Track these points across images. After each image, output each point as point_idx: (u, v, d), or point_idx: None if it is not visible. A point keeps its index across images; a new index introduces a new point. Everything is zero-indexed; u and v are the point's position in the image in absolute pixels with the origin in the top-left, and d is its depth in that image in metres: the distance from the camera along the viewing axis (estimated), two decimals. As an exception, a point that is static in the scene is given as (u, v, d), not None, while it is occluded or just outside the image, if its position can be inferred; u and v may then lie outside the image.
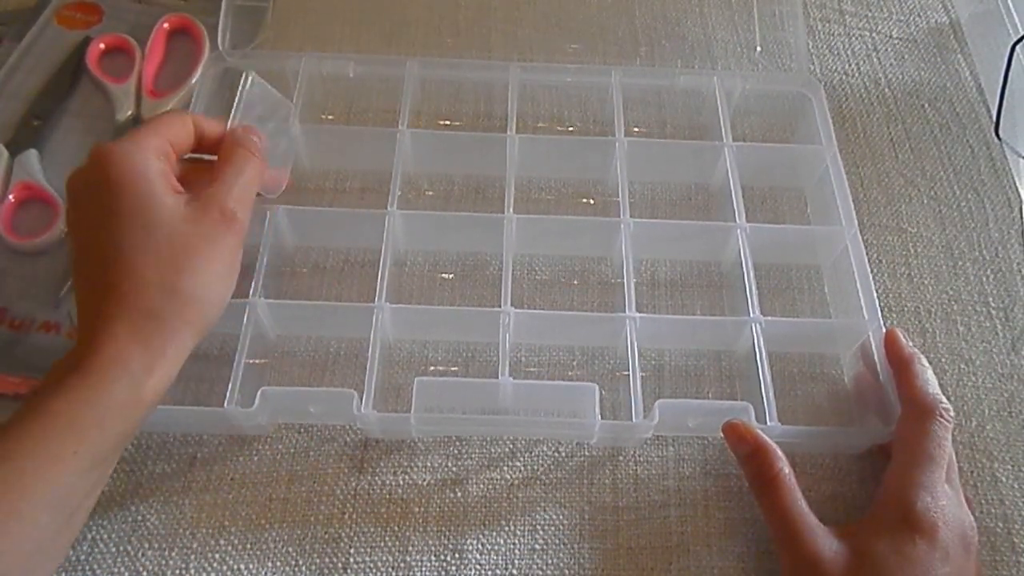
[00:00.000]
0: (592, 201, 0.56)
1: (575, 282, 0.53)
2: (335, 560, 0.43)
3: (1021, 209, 0.58)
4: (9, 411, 0.43)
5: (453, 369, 0.49)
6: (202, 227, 0.39)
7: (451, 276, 0.53)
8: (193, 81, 0.58)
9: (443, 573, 0.43)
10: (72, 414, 0.34)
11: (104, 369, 0.35)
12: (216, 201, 0.40)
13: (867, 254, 0.50)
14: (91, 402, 0.34)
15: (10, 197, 0.51)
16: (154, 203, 0.39)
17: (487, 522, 0.44)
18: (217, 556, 0.43)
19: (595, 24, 0.65)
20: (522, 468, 0.46)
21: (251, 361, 0.45)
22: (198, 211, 0.40)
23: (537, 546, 0.44)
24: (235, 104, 0.46)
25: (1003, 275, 0.55)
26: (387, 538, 0.44)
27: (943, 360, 0.51)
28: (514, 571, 0.43)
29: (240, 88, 0.47)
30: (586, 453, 0.47)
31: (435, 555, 0.43)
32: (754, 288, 0.48)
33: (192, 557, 0.43)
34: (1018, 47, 0.59)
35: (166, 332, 0.37)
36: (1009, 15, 0.62)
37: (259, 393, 0.43)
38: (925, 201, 0.58)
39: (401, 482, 0.45)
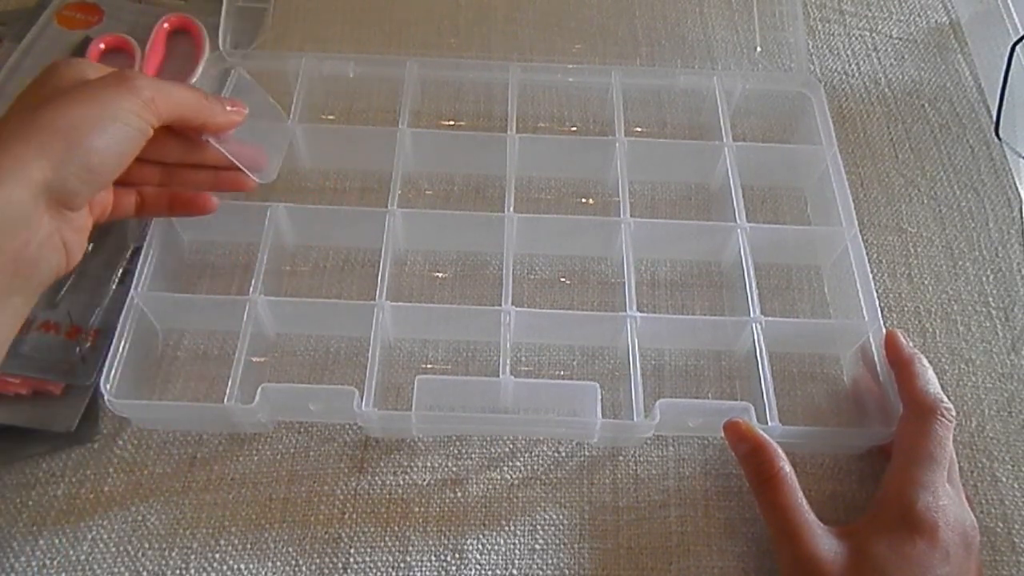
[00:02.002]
0: (592, 201, 0.56)
1: (575, 282, 0.53)
2: (335, 560, 0.43)
3: (1021, 209, 0.58)
4: (9, 411, 0.44)
5: (453, 368, 0.49)
6: (92, 82, 0.38)
7: (451, 275, 0.53)
8: (193, 81, 0.58)
9: (443, 573, 0.43)
10: None
11: None
12: (120, 71, 0.39)
13: (867, 254, 0.50)
14: None
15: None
16: (63, 68, 0.38)
17: (487, 522, 0.44)
18: (217, 556, 0.43)
19: (595, 24, 0.65)
20: (522, 468, 0.46)
21: (251, 359, 0.45)
22: (99, 76, 0.39)
23: (537, 546, 0.44)
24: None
25: (1003, 275, 0.55)
26: (387, 538, 0.44)
27: (943, 360, 0.51)
28: (514, 571, 0.43)
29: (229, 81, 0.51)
30: (586, 453, 0.47)
31: (435, 555, 0.43)
32: (754, 288, 0.48)
33: (192, 557, 0.42)
34: (1018, 47, 0.59)
35: (2, 155, 0.35)
36: (1009, 15, 0.63)
37: (259, 390, 0.43)
38: (925, 201, 0.58)
39: (401, 482, 0.45)
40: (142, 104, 0.38)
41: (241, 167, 0.46)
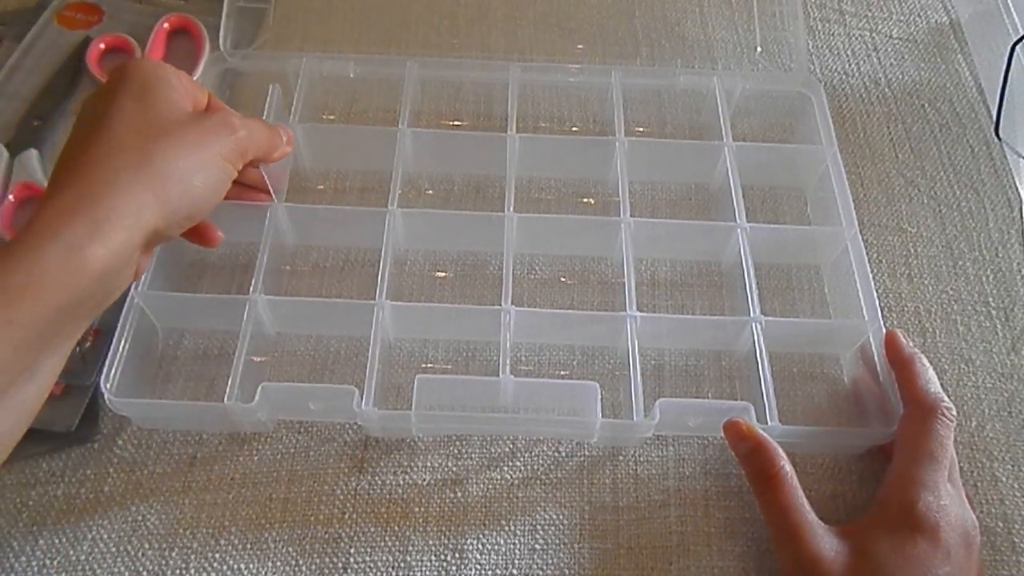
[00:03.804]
0: (592, 201, 0.56)
1: (575, 281, 0.53)
2: (335, 560, 0.43)
3: (1021, 209, 0.58)
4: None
5: (453, 368, 0.49)
6: (199, 120, 0.39)
7: (451, 275, 0.53)
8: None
9: (443, 573, 0.43)
10: (3, 279, 0.32)
11: (38, 233, 0.33)
12: (223, 113, 0.40)
13: (867, 254, 0.50)
14: (22, 265, 0.32)
15: (10, 197, 0.51)
16: (160, 89, 0.38)
17: (487, 522, 0.44)
18: (217, 556, 0.43)
19: (595, 24, 0.65)
20: (522, 468, 0.46)
21: (251, 358, 0.45)
22: (200, 112, 0.40)
23: (537, 546, 0.44)
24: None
25: (1003, 275, 0.55)
26: (387, 538, 0.44)
27: (943, 360, 0.51)
28: (514, 571, 0.43)
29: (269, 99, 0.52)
30: (586, 453, 0.47)
31: (435, 555, 0.43)
32: (754, 288, 0.48)
33: (192, 557, 0.42)
34: (1018, 47, 0.59)
35: (120, 197, 0.34)
36: (1009, 15, 0.63)
37: (259, 389, 0.43)
38: (925, 201, 0.58)
39: (401, 482, 0.45)
40: (239, 152, 0.40)
41: (271, 189, 0.49)
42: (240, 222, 0.50)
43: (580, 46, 0.63)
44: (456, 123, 0.60)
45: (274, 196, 0.50)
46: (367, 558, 0.43)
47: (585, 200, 0.56)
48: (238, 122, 0.40)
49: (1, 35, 0.60)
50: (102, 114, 0.37)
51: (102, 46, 0.59)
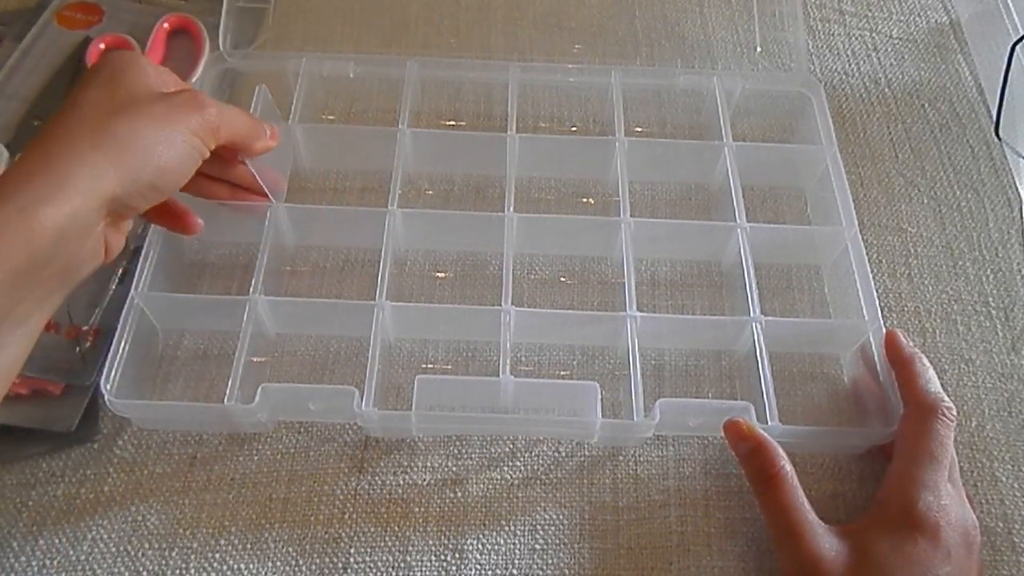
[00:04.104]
0: (592, 201, 0.56)
1: (575, 282, 0.53)
2: (335, 560, 0.43)
3: (1021, 209, 0.58)
4: (9, 411, 0.44)
5: (453, 368, 0.49)
6: (166, 97, 0.39)
7: (451, 275, 0.53)
8: (193, 81, 0.58)
9: (443, 573, 0.43)
10: None
11: None
12: (192, 91, 0.40)
13: (867, 254, 0.50)
14: None
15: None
16: (129, 72, 0.39)
17: (487, 522, 0.44)
18: (217, 556, 0.43)
19: (595, 24, 0.65)
20: (522, 468, 0.46)
21: (251, 359, 0.45)
22: (170, 93, 0.40)
23: (537, 546, 0.44)
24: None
25: (1003, 275, 0.55)
26: (387, 538, 0.44)
27: (943, 360, 0.51)
28: (514, 571, 0.43)
29: (256, 98, 0.51)
30: (586, 453, 0.47)
31: (435, 555, 0.43)
32: (754, 288, 0.48)
33: (192, 557, 0.42)
34: (1018, 47, 0.59)
35: (75, 163, 0.35)
36: (1009, 15, 0.63)
37: (259, 389, 0.43)
38: (925, 201, 0.58)
39: (401, 482, 0.45)
40: (208, 129, 0.40)
41: (265, 189, 0.48)
42: (240, 222, 0.51)
43: (579, 46, 0.63)
44: (456, 123, 0.60)
45: (272, 198, 0.49)
46: (367, 558, 0.43)
47: (585, 200, 0.56)
48: (208, 100, 0.40)
49: (1, 35, 0.60)
50: (72, 99, 0.38)
51: (102, 46, 0.59)
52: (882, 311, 0.48)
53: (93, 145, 0.36)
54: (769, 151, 0.57)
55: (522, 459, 0.46)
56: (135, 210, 0.39)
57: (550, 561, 0.43)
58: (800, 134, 0.59)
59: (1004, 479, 0.47)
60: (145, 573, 0.42)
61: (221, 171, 0.47)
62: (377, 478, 0.45)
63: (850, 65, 0.65)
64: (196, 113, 0.39)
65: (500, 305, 0.47)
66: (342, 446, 0.46)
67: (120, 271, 0.49)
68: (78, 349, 0.46)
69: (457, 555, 0.43)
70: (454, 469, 0.46)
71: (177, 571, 0.42)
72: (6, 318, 0.35)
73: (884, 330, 0.47)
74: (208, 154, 0.41)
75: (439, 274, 0.53)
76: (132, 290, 0.46)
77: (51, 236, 0.34)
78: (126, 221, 0.40)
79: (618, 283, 0.50)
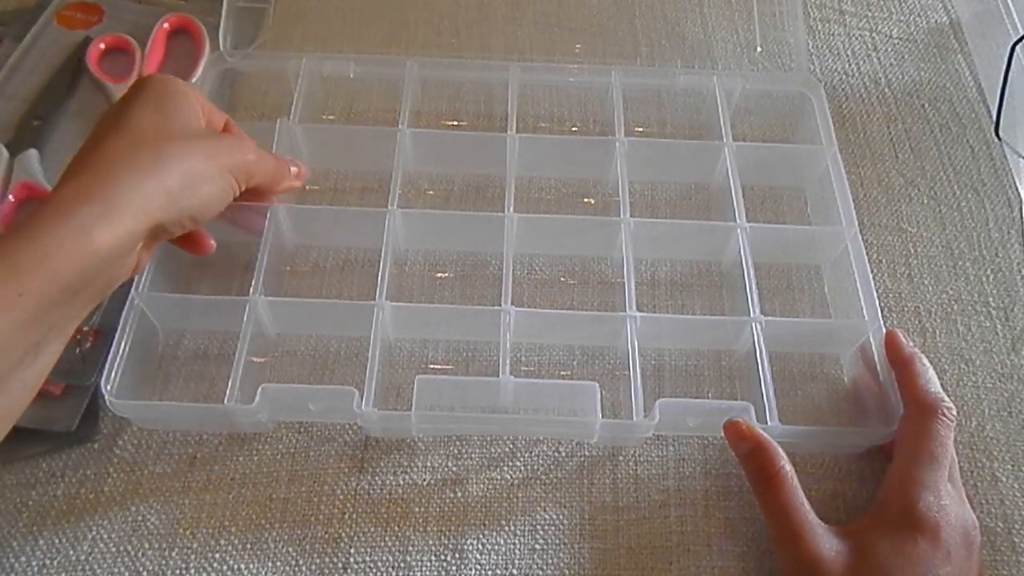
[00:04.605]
0: (592, 201, 0.56)
1: (575, 282, 0.53)
2: (335, 560, 0.43)
3: (1021, 209, 0.58)
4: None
5: (453, 368, 0.49)
6: (213, 135, 0.42)
7: (451, 275, 0.53)
8: (193, 81, 0.58)
9: (443, 573, 0.43)
10: (16, 254, 0.33)
11: (50, 214, 0.35)
12: (238, 136, 0.44)
13: (867, 254, 0.50)
14: (34, 243, 0.34)
15: (10, 197, 0.51)
16: (178, 101, 0.41)
17: (487, 522, 0.44)
18: (217, 556, 0.43)
19: (595, 24, 0.65)
20: (522, 468, 0.46)
21: (251, 359, 0.45)
22: (216, 132, 0.43)
23: (537, 546, 0.44)
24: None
25: (1003, 275, 0.55)
26: (387, 538, 0.44)
27: (943, 360, 0.51)
28: (514, 571, 0.43)
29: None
30: (586, 453, 0.47)
31: (435, 555, 0.43)
32: (754, 288, 0.48)
33: (192, 557, 0.42)
34: (1018, 47, 0.59)
35: (130, 187, 0.36)
36: (1009, 15, 0.63)
37: (259, 390, 0.43)
38: (925, 201, 0.58)
39: (401, 482, 0.45)
40: (245, 173, 0.43)
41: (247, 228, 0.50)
42: (237, 228, 0.50)
43: (579, 46, 0.63)
44: (456, 123, 0.60)
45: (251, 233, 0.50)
46: (367, 558, 0.43)
47: (585, 200, 0.56)
48: (249, 146, 0.44)
49: (1, 35, 0.60)
50: (121, 117, 0.39)
51: (102, 46, 0.59)
52: (882, 311, 0.48)
53: (148, 171, 0.37)
54: (769, 151, 0.57)
55: (522, 459, 0.46)
56: (172, 235, 0.41)
57: (550, 561, 0.43)
58: (800, 134, 0.59)
59: (1004, 479, 0.47)
60: (145, 573, 0.42)
61: None
62: (377, 478, 0.45)
63: (850, 65, 0.65)
64: (238, 156, 0.42)
65: (500, 305, 0.47)
66: (342, 446, 0.46)
67: (120, 271, 0.49)
68: (78, 349, 0.46)
69: (457, 555, 0.43)
70: (454, 469, 0.46)
71: (177, 571, 0.42)
72: (51, 330, 0.36)
73: (884, 330, 0.47)
74: (239, 194, 0.43)
75: (439, 274, 0.53)
76: (132, 290, 0.46)
77: (103, 255, 0.36)
78: (156, 243, 0.42)
79: (618, 283, 0.50)
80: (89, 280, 0.36)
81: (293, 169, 0.49)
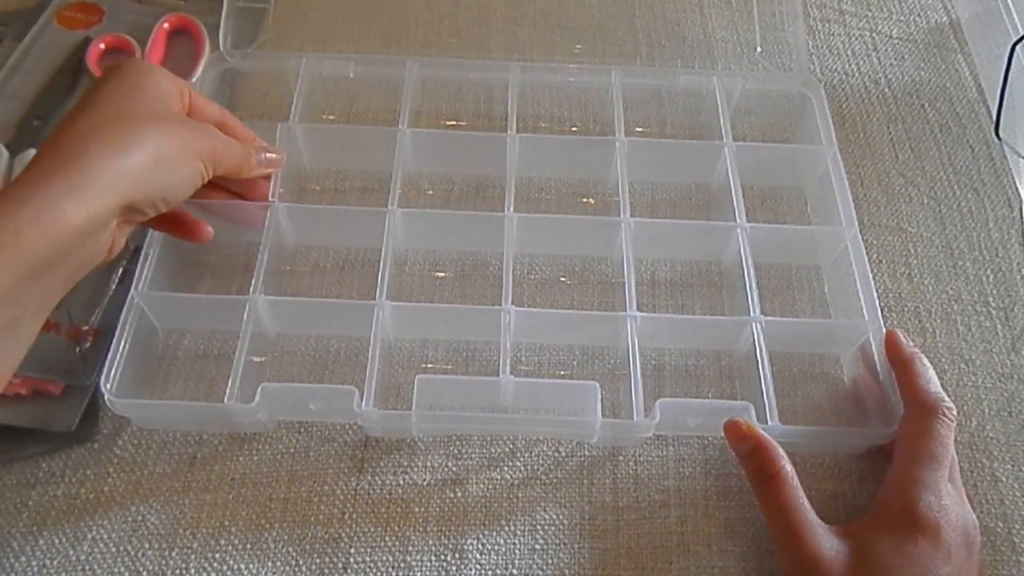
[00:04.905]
0: (592, 201, 0.56)
1: (575, 281, 0.53)
2: (335, 560, 0.43)
3: (1021, 209, 0.58)
4: (9, 411, 0.44)
5: (453, 368, 0.49)
6: (183, 119, 0.42)
7: (451, 275, 0.53)
8: (193, 81, 0.58)
9: (443, 573, 0.43)
10: None
11: (20, 191, 0.35)
12: (206, 124, 0.43)
13: (867, 254, 0.50)
14: (6, 218, 0.34)
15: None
16: (150, 85, 0.41)
17: (487, 522, 0.44)
18: (217, 556, 0.43)
19: (595, 24, 0.65)
20: (522, 468, 0.46)
21: (251, 359, 0.45)
22: (186, 118, 0.43)
23: (537, 546, 0.44)
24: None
25: (1003, 275, 0.55)
26: (387, 538, 0.44)
27: (943, 360, 0.51)
28: (514, 571, 0.43)
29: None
30: (586, 453, 0.47)
31: (435, 555, 0.43)
32: (754, 288, 0.48)
33: (192, 557, 0.42)
34: (1018, 47, 0.59)
35: (100, 165, 0.37)
36: (1009, 15, 0.62)
37: (259, 389, 0.43)
38: (925, 201, 0.58)
39: (401, 482, 0.45)
40: (212, 158, 0.43)
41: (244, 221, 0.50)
42: (237, 225, 0.51)
43: (579, 46, 0.63)
44: (456, 123, 0.60)
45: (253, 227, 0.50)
46: (367, 558, 0.43)
47: (585, 200, 0.56)
48: (216, 133, 0.43)
49: (1, 35, 0.60)
50: (93, 98, 0.39)
51: (102, 46, 0.59)
52: (882, 311, 0.48)
53: (120, 150, 0.38)
54: (769, 151, 0.57)
55: (522, 459, 0.46)
56: (144, 216, 0.41)
57: (550, 561, 0.43)
58: (800, 134, 0.59)
59: (1004, 479, 0.47)
60: (145, 573, 0.42)
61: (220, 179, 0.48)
62: (377, 478, 0.45)
63: (850, 65, 0.65)
64: (205, 141, 0.42)
65: (500, 305, 0.47)
66: (342, 446, 0.46)
67: (120, 271, 0.49)
68: (78, 349, 0.46)
69: (457, 555, 0.43)
70: (454, 469, 0.46)
71: (177, 571, 0.42)
72: (31, 304, 0.36)
73: (884, 330, 0.47)
74: (207, 180, 0.43)
75: (439, 274, 0.53)
76: (132, 289, 0.46)
77: (75, 231, 0.36)
78: (130, 225, 0.41)
79: (618, 283, 0.50)
80: (63, 256, 0.36)
81: (270, 155, 0.48)
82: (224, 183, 0.48)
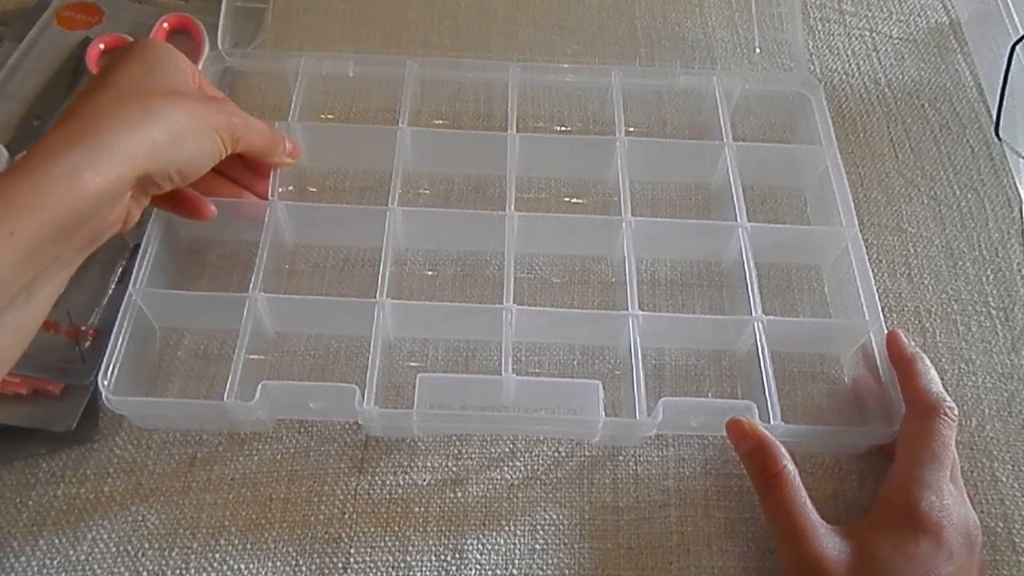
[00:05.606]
0: (592, 200, 0.56)
1: (576, 281, 0.53)
2: (335, 560, 0.43)
3: (1021, 209, 0.58)
4: (9, 411, 0.44)
5: (454, 367, 0.49)
6: (200, 95, 0.43)
7: (451, 274, 0.53)
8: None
9: (443, 573, 0.43)
10: (6, 192, 0.34)
11: (41, 156, 0.36)
12: (220, 100, 0.45)
13: (867, 254, 0.50)
14: (25, 180, 0.35)
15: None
16: (168, 63, 0.42)
17: (487, 522, 0.44)
18: (217, 556, 0.43)
19: (595, 24, 0.65)
20: (522, 468, 0.46)
21: (250, 357, 0.45)
22: (205, 96, 0.43)
23: (537, 546, 0.44)
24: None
25: (1003, 275, 0.55)
26: (387, 538, 0.44)
27: (943, 360, 0.51)
28: (514, 571, 0.43)
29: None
30: (586, 453, 0.47)
31: (435, 555, 0.43)
32: (755, 287, 0.48)
33: (192, 557, 0.42)
34: (1018, 47, 0.59)
35: (118, 134, 0.37)
36: (1009, 15, 0.63)
37: (259, 387, 0.43)
38: (925, 201, 0.58)
39: (401, 482, 0.45)
40: (231, 135, 0.43)
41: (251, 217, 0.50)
42: (239, 221, 0.50)
43: (579, 46, 0.63)
44: (456, 123, 0.60)
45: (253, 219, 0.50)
46: (367, 558, 0.43)
47: (585, 200, 0.56)
48: (236, 110, 0.44)
49: (1, 35, 0.60)
50: (110, 73, 0.40)
51: (102, 46, 0.59)
52: (882, 311, 0.48)
53: (137, 122, 0.38)
54: (769, 151, 0.57)
55: (522, 459, 0.46)
56: (159, 189, 0.41)
57: (550, 561, 0.43)
58: (800, 134, 0.59)
59: (1004, 479, 0.47)
60: (145, 573, 0.42)
61: (230, 169, 0.49)
62: (377, 478, 0.45)
63: (850, 65, 0.65)
64: (224, 117, 0.43)
65: (501, 304, 0.47)
66: (342, 446, 0.46)
67: (119, 270, 0.49)
68: (78, 349, 0.46)
69: (457, 555, 0.43)
70: (454, 469, 0.46)
71: (177, 571, 0.42)
72: (44, 270, 0.37)
73: (885, 330, 0.47)
74: (225, 156, 0.43)
75: (439, 273, 0.53)
76: (130, 287, 0.46)
77: (92, 198, 0.36)
78: (146, 197, 0.42)
79: (618, 282, 0.50)
80: (80, 222, 0.37)
81: (288, 146, 0.49)
82: (233, 173, 0.49)
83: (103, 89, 0.39)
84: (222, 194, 0.49)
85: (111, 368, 0.43)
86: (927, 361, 0.45)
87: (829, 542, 0.39)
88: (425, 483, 0.45)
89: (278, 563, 0.43)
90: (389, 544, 0.43)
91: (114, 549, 0.42)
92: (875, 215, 0.57)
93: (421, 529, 0.44)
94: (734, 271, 0.52)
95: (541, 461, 0.46)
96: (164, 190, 0.42)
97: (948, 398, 0.43)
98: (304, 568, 0.42)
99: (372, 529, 0.44)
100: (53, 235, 0.36)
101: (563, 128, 0.60)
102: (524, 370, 0.49)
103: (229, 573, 0.42)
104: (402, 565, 0.43)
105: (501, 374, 0.44)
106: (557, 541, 0.44)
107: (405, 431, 0.46)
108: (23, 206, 0.34)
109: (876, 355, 0.47)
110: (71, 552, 0.42)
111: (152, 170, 0.39)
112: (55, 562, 0.42)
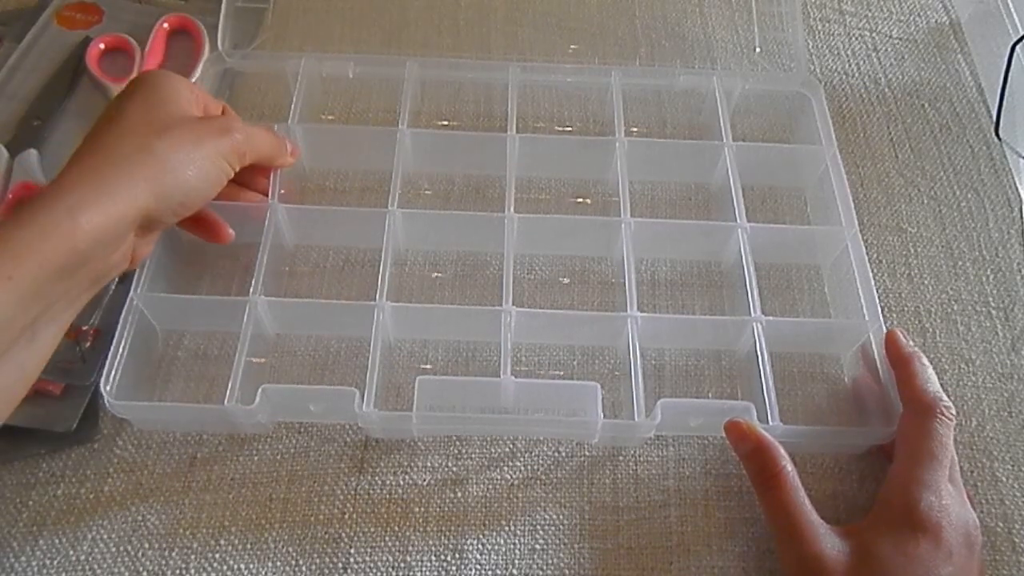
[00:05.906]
0: (592, 201, 0.56)
1: (575, 282, 0.53)
2: (335, 560, 0.43)
3: (1021, 209, 0.58)
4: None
5: (453, 369, 0.49)
6: (201, 122, 0.43)
7: (451, 275, 0.53)
8: (193, 81, 0.58)
9: (443, 573, 0.43)
10: (6, 237, 0.35)
11: (39, 201, 0.36)
12: (226, 118, 0.45)
13: (867, 254, 0.50)
14: (23, 228, 0.35)
15: (10, 197, 0.51)
16: (168, 94, 0.43)
17: (487, 522, 0.44)
18: (217, 556, 0.43)
19: (595, 24, 0.65)
20: (522, 468, 0.46)
21: (251, 359, 0.45)
22: (204, 118, 0.44)
23: (537, 546, 0.44)
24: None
25: (1003, 275, 0.55)
26: (387, 538, 0.44)
27: (943, 360, 0.51)
28: (514, 571, 0.43)
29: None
30: (586, 453, 0.47)
31: (435, 555, 0.43)
32: (755, 288, 0.48)
33: (192, 557, 0.42)
34: (1018, 47, 0.59)
35: (119, 176, 0.38)
36: (1009, 15, 0.63)
37: (259, 391, 0.43)
38: (925, 201, 0.58)
39: (401, 482, 0.45)
40: (235, 154, 0.44)
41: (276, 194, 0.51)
42: (240, 223, 0.50)
43: (579, 46, 0.63)
44: (456, 123, 0.60)
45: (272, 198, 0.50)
46: (367, 558, 0.43)
47: (585, 200, 0.56)
48: (238, 126, 0.44)
49: (1, 35, 0.60)
50: (114, 112, 0.41)
51: (102, 46, 0.59)
52: (882, 311, 0.48)
53: (136, 162, 0.39)
54: (769, 151, 0.57)
55: (522, 459, 0.46)
56: (164, 225, 0.42)
57: (550, 561, 0.43)
58: (800, 134, 0.59)
59: (1004, 479, 0.47)
60: (145, 573, 0.42)
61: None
62: (377, 478, 0.45)
63: (850, 65, 0.65)
64: (226, 138, 0.43)
65: (500, 305, 0.47)
66: (342, 446, 0.46)
67: (120, 271, 0.49)
68: (78, 349, 0.46)
69: (457, 555, 0.43)
70: (454, 469, 0.46)
71: (177, 571, 0.42)
72: (45, 312, 0.37)
73: (884, 330, 0.47)
74: (232, 175, 0.44)
75: (439, 274, 0.53)
76: (132, 291, 0.46)
77: (91, 238, 0.37)
78: (152, 234, 0.43)
79: (618, 283, 0.50)
80: (81, 262, 0.37)
81: (289, 146, 0.50)
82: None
83: (106, 129, 0.40)
84: (223, 194, 0.48)
85: (113, 372, 0.43)
86: (925, 360, 0.45)
87: (829, 542, 0.39)
88: (425, 483, 0.45)
89: (278, 563, 0.43)
90: (389, 544, 0.44)
91: (114, 549, 0.42)
92: (875, 215, 0.57)
93: (421, 529, 0.44)
94: (734, 271, 0.52)
95: (541, 461, 0.46)
96: (169, 225, 0.43)
97: (945, 397, 0.43)
98: (304, 568, 0.43)
99: (372, 529, 0.44)
100: (54, 276, 0.36)
101: (563, 128, 0.60)
102: (523, 371, 0.49)
103: (229, 573, 0.42)
104: (402, 565, 0.43)
105: (500, 376, 0.44)
106: (557, 541, 0.44)
107: (405, 433, 0.46)
108: (23, 252, 0.35)
109: (876, 355, 0.47)
110: (71, 552, 0.42)
111: (153, 208, 0.39)
112: (55, 562, 0.42)
